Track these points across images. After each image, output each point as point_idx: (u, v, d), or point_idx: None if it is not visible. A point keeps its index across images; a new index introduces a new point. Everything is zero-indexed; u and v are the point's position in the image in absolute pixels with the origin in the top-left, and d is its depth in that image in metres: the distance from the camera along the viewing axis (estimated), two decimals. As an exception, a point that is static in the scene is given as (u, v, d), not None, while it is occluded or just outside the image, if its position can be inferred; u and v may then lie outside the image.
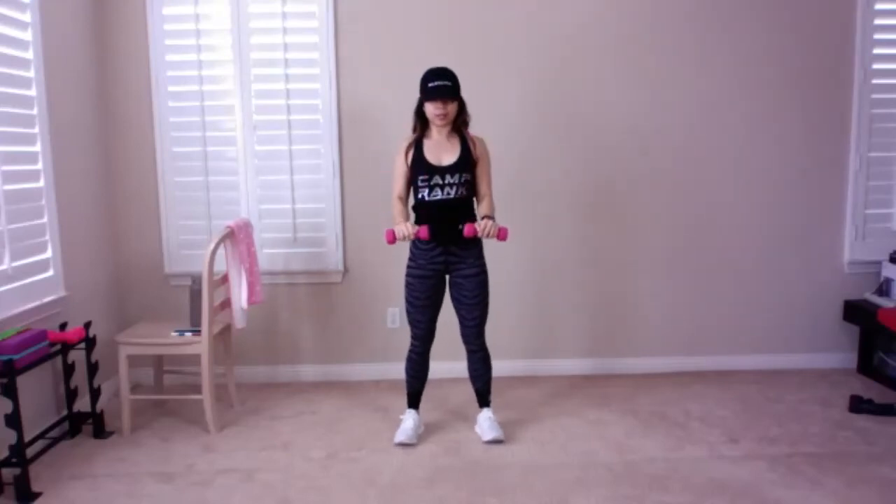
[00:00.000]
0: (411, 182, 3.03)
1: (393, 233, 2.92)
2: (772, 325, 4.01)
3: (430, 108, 2.93)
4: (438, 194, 2.96)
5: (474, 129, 3.08)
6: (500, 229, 2.91)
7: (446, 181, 2.95)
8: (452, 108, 2.95)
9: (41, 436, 3.02)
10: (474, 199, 3.08)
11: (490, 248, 3.13)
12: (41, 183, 3.13)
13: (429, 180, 2.96)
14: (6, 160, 2.90)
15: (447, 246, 3.00)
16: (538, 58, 3.76)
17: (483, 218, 2.96)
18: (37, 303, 3.05)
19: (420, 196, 3.00)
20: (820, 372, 3.96)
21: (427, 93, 2.91)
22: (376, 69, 3.76)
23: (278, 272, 3.86)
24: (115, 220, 3.82)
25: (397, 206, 3.04)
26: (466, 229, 2.89)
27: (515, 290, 3.89)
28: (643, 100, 3.82)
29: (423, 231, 2.90)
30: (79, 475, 2.85)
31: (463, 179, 2.97)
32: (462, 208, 3.01)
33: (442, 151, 2.99)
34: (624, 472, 2.81)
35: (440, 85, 2.88)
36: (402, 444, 3.06)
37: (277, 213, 3.82)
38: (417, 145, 3.01)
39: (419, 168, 2.98)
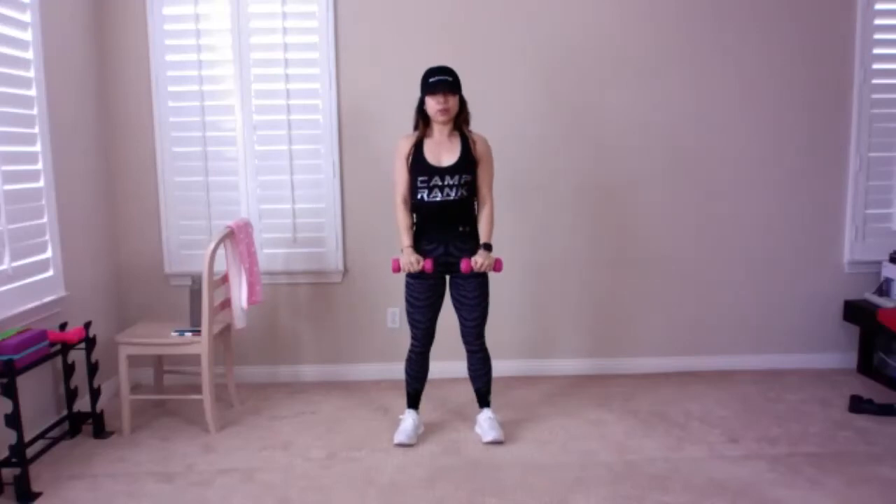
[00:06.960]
0: (411, 183, 3.02)
1: (399, 263, 2.99)
2: (772, 325, 4.01)
3: (432, 103, 2.94)
4: (438, 196, 2.96)
5: (477, 128, 3.08)
6: (495, 262, 3.00)
7: (446, 182, 2.95)
8: (453, 102, 2.95)
9: (41, 436, 3.02)
10: (475, 200, 3.08)
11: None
12: (41, 183, 3.13)
13: (428, 181, 2.96)
14: (6, 160, 2.90)
15: (447, 246, 3.01)
16: (539, 57, 3.76)
17: (482, 246, 3.00)
18: (37, 303, 3.05)
19: (419, 197, 2.99)
20: (820, 372, 3.96)
21: (428, 87, 2.93)
22: (376, 69, 3.76)
23: (278, 272, 3.86)
24: (115, 220, 3.82)
25: (401, 214, 3.04)
26: (463, 265, 2.96)
27: (515, 289, 3.88)
28: (643, 99, 3.82)
29: (428, 264, 2.96)
30: (79, 475, 2.85)
31: (463, 181, 2.97)
32: (461, 209, 3.01)
33: (442, 151, 2.99)
34: (624, 472, 2.81)
35: (441, 79, 2.91)
36: (402, 445, 3.07)
37: (277, 213, 3.82)
38: (418, 146, 3.01)
39: (419, 169, 2.97)
